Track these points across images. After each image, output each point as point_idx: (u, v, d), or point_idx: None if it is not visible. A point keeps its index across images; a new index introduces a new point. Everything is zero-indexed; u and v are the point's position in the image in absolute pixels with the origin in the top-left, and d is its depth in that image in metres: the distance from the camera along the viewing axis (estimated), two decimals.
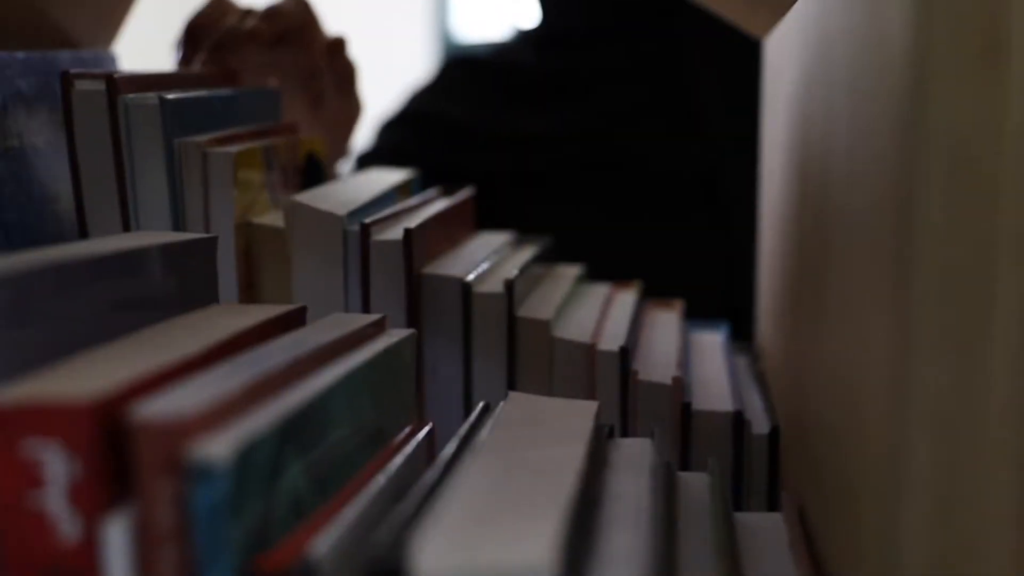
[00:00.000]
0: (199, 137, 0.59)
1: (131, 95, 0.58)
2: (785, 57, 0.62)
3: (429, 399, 0.59)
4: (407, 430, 0.47)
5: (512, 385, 0.58)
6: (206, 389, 0.35)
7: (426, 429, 0.47)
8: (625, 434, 0.58)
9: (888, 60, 0.33)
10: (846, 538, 0.40)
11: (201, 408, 0.33)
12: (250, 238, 0.61)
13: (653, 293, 0.77)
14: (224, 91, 0.66)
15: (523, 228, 0.76)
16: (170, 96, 0.58)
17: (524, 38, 1.16)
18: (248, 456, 0.33)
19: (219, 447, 0.32)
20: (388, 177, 0.71)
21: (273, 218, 0.62)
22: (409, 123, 1.14)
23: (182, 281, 0.47)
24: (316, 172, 0.71)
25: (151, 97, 0.58)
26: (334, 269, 0.58)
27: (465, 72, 1.17)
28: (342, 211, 0.58)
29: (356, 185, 0.67)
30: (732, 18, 0.76)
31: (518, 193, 1.05)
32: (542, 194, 1.07)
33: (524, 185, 1.07)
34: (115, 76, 0.57)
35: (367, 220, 0.58)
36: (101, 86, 0.57)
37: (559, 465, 0.39)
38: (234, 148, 0.60)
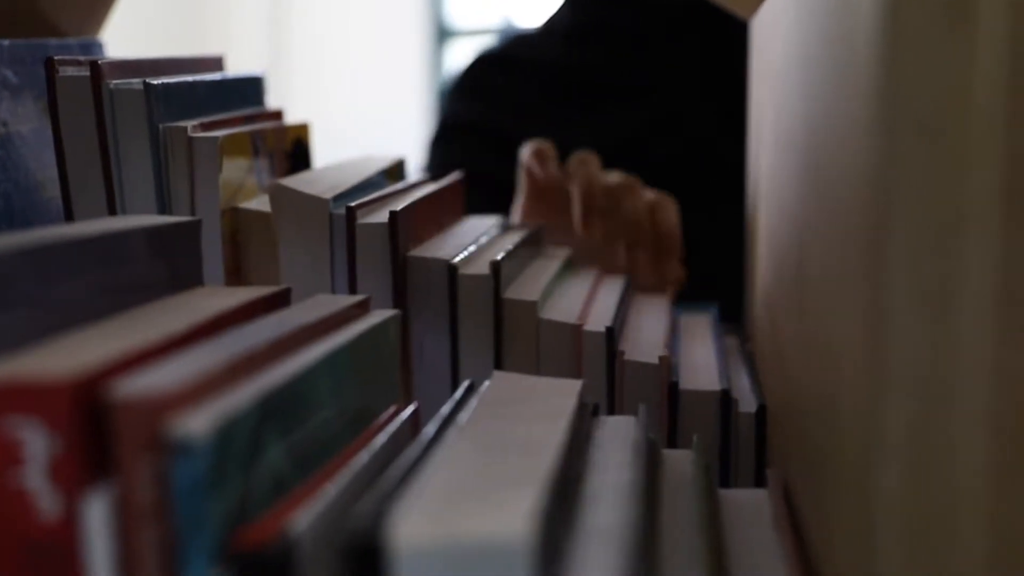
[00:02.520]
0: (185, 122, 0.59)
1: (115, 81, 0.58)
2: (769, 36, 0.62)
3: (416, 381, 0.59)
4: (392, 410, 0.47)
5: (499, 367, 0.58)
6: (186, 367, 0.35)
7: (410, 408, 0.47)
8: (612, 414, 0.58)
9: (857, 28, 0.33)
10: (824, 507, 0.40)
11: (181, 385, 0.33)
12: (237, 223, 0.61)
13: None
14: (210, 76, 0.66)
15: None
16: (155, 82, 0.58)
17: (548, 32, 1.15)
18: (228, 433, 0.33)
19: (198, 423, 0.32)
20: (375, 161, 0.72)
21: (260, 203, 0.62)
22: (452, 138, 1.12)
23: (167, 264, 0.47)
24: (303, 158, 0.71)
25: (136, 83, 0.58)
26: (320, 252, 0.58)
27: (495, 71, 1.15)
28: (328, 194, 0.59)
29: (342, 169, 0.67)
30: (719, 0, 0.76)
31: None
32: None
33: None
34: (99, 62, 0.57)
35: (353, 203, 0.58)
36: (85, 72, 0.57)
37: (541, 441, 0.39)
38: (220, 133, 0.60)
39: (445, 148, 1.12)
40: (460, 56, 3.94)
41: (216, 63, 0.70)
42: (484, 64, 1.17)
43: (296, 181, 0.60)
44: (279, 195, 0.58)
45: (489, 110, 1.12)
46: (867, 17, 0.32)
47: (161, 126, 0.58)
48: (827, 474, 0.40)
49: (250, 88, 0.70)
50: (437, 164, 1.09)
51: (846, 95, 0.35)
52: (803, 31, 0.47)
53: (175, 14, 3.56)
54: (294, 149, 0.69)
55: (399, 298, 0.58)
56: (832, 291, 0.39)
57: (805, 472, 0.45)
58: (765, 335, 0.65)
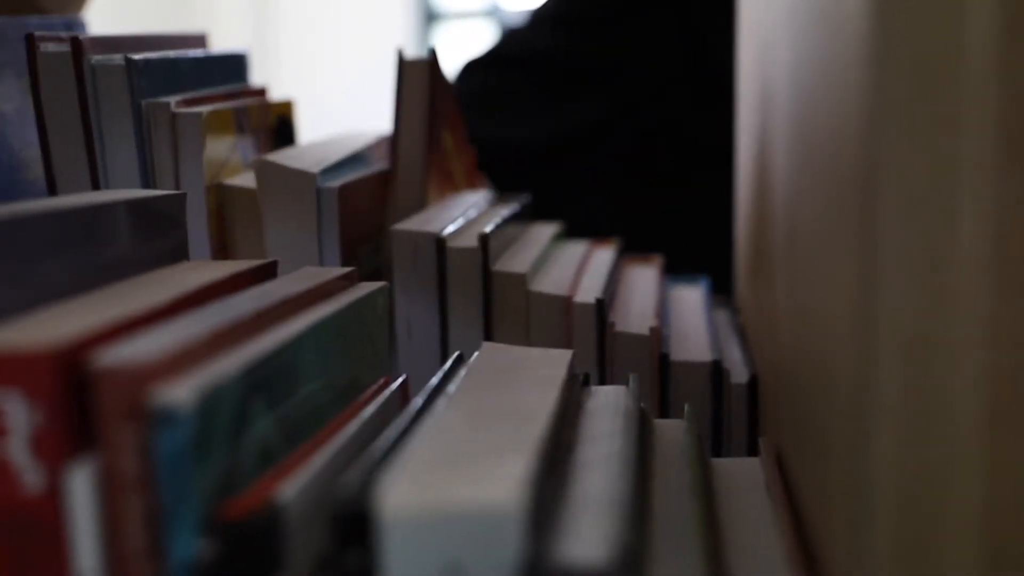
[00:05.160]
0: (168, 98, 0.59)
1: (97, 57, 0.57)
2: (755, 5, 0.62)
3: (405, 354, 0.58)
4: (381, 382, 0.47)
5: (489, 339, 0.58)
6: (170, 337, 0.34)
7: (399, 380, 0.47)
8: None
9: None
10: (818, 474, 0.40)
11: (164, 354, 0.33)
12: (222, 200, 0.60)
13: (637, 249, 0.77)
14: (193, 52, 0.65)
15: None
16: (137, 57, 0.57)
17: (538, 20, 1.14)
18: (211, 402, 0.33)
19: (181, 392, 0.31)
20: (360, 137, 0.71)
21: (245, 179, 0.61)
22: None
23: (151, 239, 0.47)
24: (288, 135, 0.70)
25: (117, 58, 0.57)
26: (308, 227, 0.58)
27: (489, 75, 1.14)
28: (314, 169, 0.58)
29: (327, 145, 0.67)
30: None
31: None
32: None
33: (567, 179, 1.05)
34: (80, 38, 0.56)
35: (344, 181, 0.58)
36: (66, 48, 0.57)
37: (531, 410, 0.39)
38: (204, 109, 0.59)
39: None
40: (447, 41, 3.93)
41: (199, 40, 0.70)
42: (472, 71, 1.15)
43: (282, 156, 0.60)
44: (265, 170, 0.58)
45: (484, 119, 1.10)
46: None
47: (144, 102, 0.57)
48: (820, 440, 0.39)
49: (233, 65, 0.69)
50: None
51: (835, 54, 0.34)
52: None
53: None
54: (278, 126, 0.69)
55: (387, 271, 0.58)
56: (823, 255, 0.38)
57: (798, 440, 0.45)
58: (755, 306, 0.64)
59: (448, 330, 0.58)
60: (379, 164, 0.69)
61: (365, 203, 0.63)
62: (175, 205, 0.49)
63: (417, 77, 0.68)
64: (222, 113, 0.61)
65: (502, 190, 0.78)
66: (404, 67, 0.68)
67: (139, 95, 0.57)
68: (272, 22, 3.90)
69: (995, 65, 0.29)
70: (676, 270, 0.78)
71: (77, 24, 0.73)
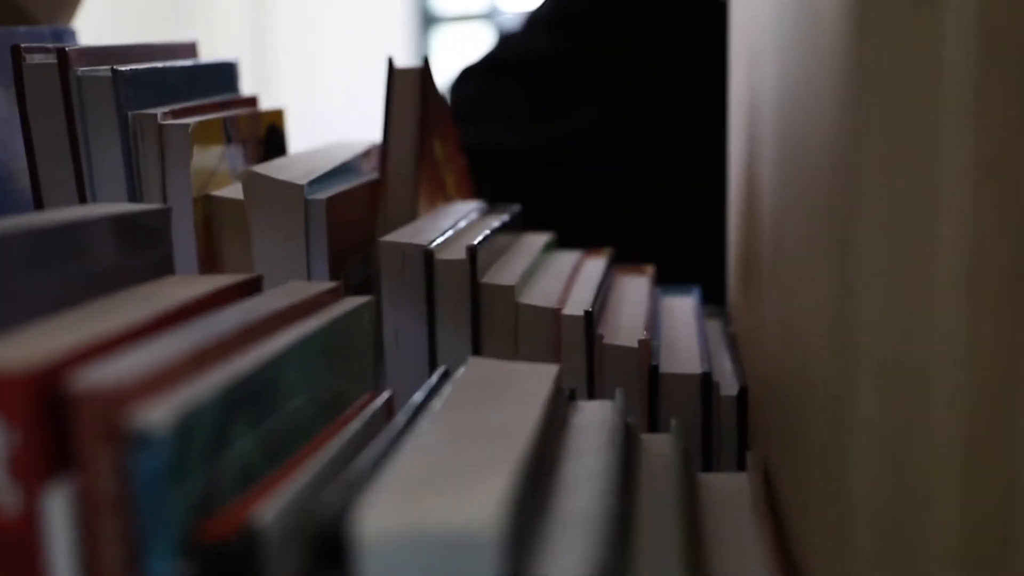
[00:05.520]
0: (155, 109, 0.58)
1: (83, 68, 0.57)
2: (746, 14, 0.61)
3: (393, 367, 0.58)
4: (366, 397, 0.47)
5: (477, 352, 0.58)
6: (149, 357, 0.34)
7: (384, 395, 0.47)
8: (592, 399, 0.58)
9: (825, 7, 0.32)
10: (800, 490, 0.40)
11: (142, 375, 0.32)
12: (210, 211, 0.60)
13: (639, 253, 0.77)
14: (181, 63, 0.65)
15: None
16: (123, 68, 0.57)
17: (535, 23, 1.14)
18: (190, 423, 0.32)
19: (159, 414, 0.31)
20: (350, 147, 0.71)
21: (233, 190, 0.61)
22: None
23: (136, 253, 0.46)
24: (278, 145, 0.70)
25: (104, 70, 0.57)
26: (295, 239, 0.58)
27: (486, 81, 1.14)
28: (302, 180, 0.58)
29: (316, 155, 0.66)
30: None
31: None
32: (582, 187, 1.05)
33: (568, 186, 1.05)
34: (66, 49, 0.56)
35: (332, 193, 0.58)
36: (52, 59, 0.56)
37: (515, 427, 0.39)
38: (191, 120, 0.59)
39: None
40: (445, 45, 3.93)
41: (189, 50, 0.69)
42: (469, 77, 1.15)
43: (269, 167, 0.59)
44: (252, 182, 0.58)
45: (482, 125, 1.10)
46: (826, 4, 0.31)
47: (130, 114, 0.57)
48: (802, 456, 0.39)
49: (223, 75, 0.69)
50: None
51: (815, 71, 0.34)
52: (778, 8, 0.46)
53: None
54: (268, 136, 0.69)
55: (375, 283, 0.57)
56: (805, 270, 0.38)
57: (783, 454, 0.45)
58: (746, 316, 0.64)
59: (436, 342, 0.58)
60: (369, 174, 0.68)
61: (354, 214, 0.63)
62: (160, 219, 0.49)
63: (408, 85, 0.67)
64: (210, 123, 0.61)
65: (499, 198, 0.77)
66: (394, 75, 0.67)
67: (126, 106, 0.57)
68: (270, 27, 3.90)
69: (973, 86, 0.28)
70: (675, 275, 0.78)
71: (66, 34, 0.73)
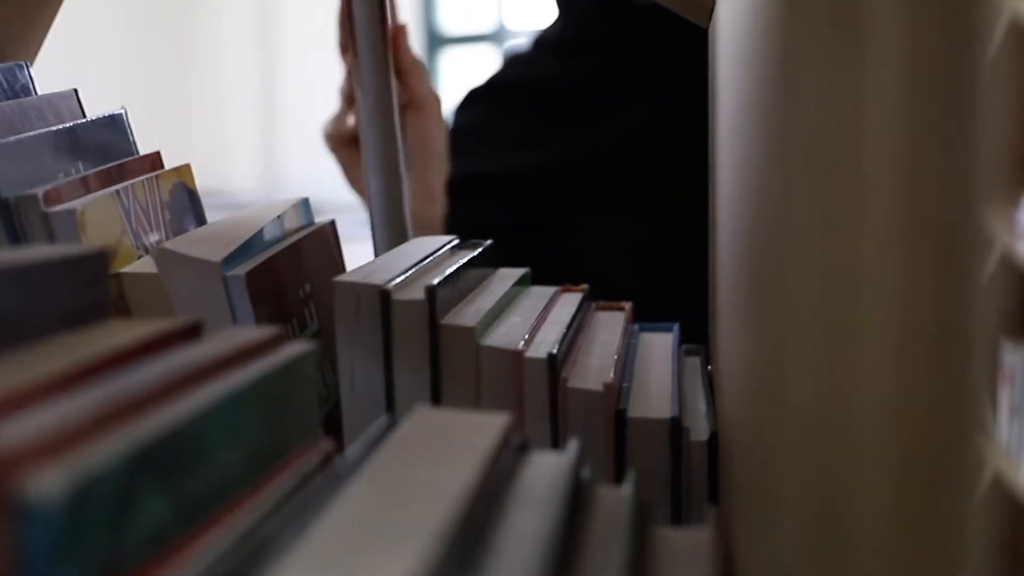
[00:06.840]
0: (37, 189, 0.55)
1: None
2: (718, 48, 0.60)
3: (349, 411, 0.56)
4: (306, 447, 0.45)
5: (437, 397, 0.56)
6: (49, 416, 0.32)
7: (323, 447, 0.45)
8: (556, 445, 0.56)
9: (763, 45, 0.30)
10: (748, 546, 0.38)
11: (37, 438, 0.31)
12: (121, 289, 0.57)
13: (627, 288, 0.75)
14: (61, 126, 0.61)
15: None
16: None
17: (543, 46, 1.13)
18: (86, 491, 0.30)
19: (49, 483, 0.29)
20: (271, 209, 0.68)
21: (144, 264, 0.58)
22: (461, 195, 1.09)
23: (70, 297, 0.45)
24: (186, 204, 0.67)
25: None
26: (220, 315, 0.55)
27: (491, 104, 1.12)
28: (217, 256, 0.55)
29: (234, 224, 0.63)
30: (676, 9, 0.74)
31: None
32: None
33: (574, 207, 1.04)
34: None
35: (252, 266, 0.56)
36: None
37: (447, 486, 0.37)
38: (78, 203, 0.55)
39: (459, 207, 1.07)
40: (453, 66, 3.92)
41: (69, 97, 0.65)
42: (474, 101, 1.13)
43: (184, 242, 0.57)
44: (165, 260, 0.55)
45: (485, 148, 1.08)
46: (770, 33, 0.29)
47: (11, 197, 0.54)
48: (749, 510, 0.37)
49: (110, 130, 0.65)
50: (459, 224, 1.05)
51: (752, 118, 0.32)
52: (736, 46, 0.44)
53: (163, 16, 3.55)
54: (173, 197, 0.66)
55: (328, 325, 0.56)
56: (743, 324, 0.36)
57: (738, 508, 0.43)
58: (720, 358, 0.62)
59: (394, 386, 0.56)
60: (293, 236, 0.66)
61: (283, 278, 0.61)
62: (96, 264, 0.47)
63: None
64: (101, 202, 0.58)
65: (488, 227, 0.76)
66: None
67: (4, 188, 0.54)
68: (276, 49, 3.89)
69: (898, 143, 0.26)
70: (670, 305, 0.76)
71: (18, 70, 0.71)
